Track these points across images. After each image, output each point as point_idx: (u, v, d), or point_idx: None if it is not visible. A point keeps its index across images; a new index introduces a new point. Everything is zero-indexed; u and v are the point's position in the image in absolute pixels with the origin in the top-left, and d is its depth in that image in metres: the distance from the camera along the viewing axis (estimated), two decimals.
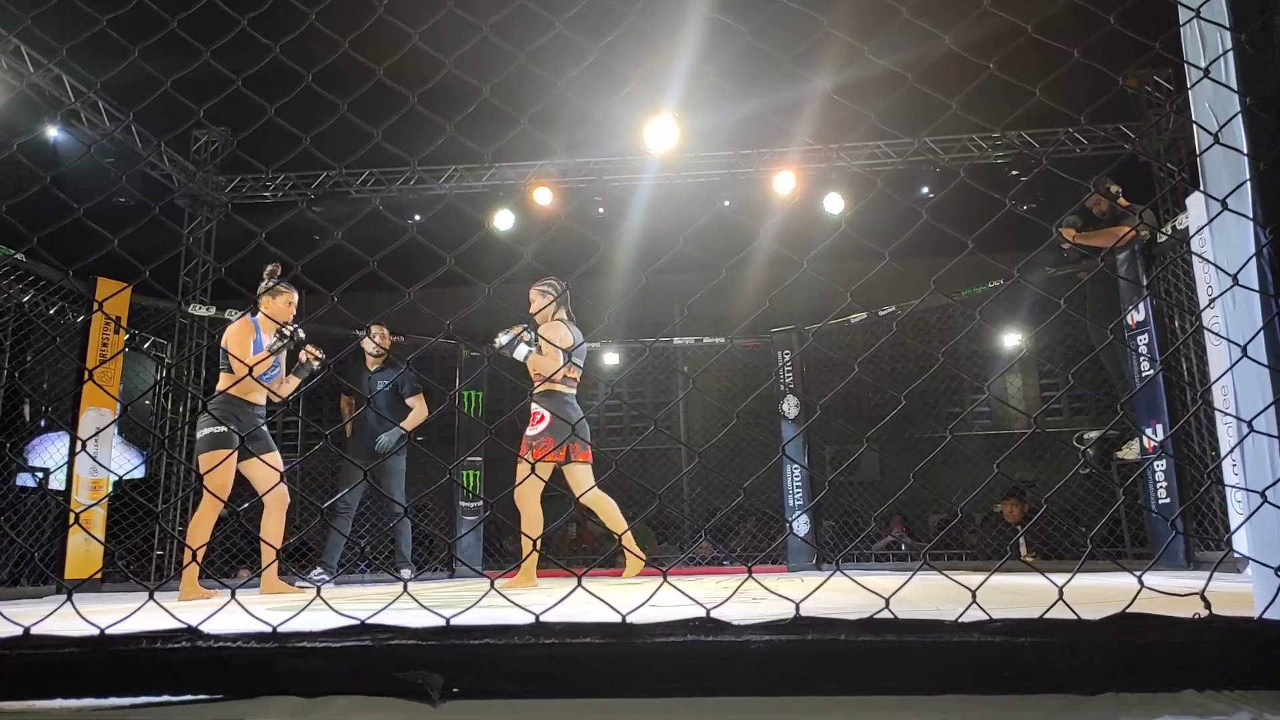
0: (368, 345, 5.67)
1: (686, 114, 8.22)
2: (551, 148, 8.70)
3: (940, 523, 7.91)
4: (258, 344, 4.22)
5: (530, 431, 4.39)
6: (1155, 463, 4.94)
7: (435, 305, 9.65)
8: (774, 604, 1.29)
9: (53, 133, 7.33)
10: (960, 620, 1.06)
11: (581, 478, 4.45)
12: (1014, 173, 8.79)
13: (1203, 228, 1.44)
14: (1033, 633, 1.03)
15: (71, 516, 4.97)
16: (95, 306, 5.15)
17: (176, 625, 1.20)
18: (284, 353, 4.37)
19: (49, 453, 6.25)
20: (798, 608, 1.12)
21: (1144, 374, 5.08)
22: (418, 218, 8.98)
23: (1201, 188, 1.44)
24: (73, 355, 5.43)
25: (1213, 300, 1.42)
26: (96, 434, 5.12)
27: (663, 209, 9.26)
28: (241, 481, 4.26)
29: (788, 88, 7.74)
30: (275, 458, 4.27)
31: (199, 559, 4.11)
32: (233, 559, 6.46)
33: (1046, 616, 1.05)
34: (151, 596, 1.35)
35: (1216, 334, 1.41)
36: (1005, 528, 6.43)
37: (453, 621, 1.18)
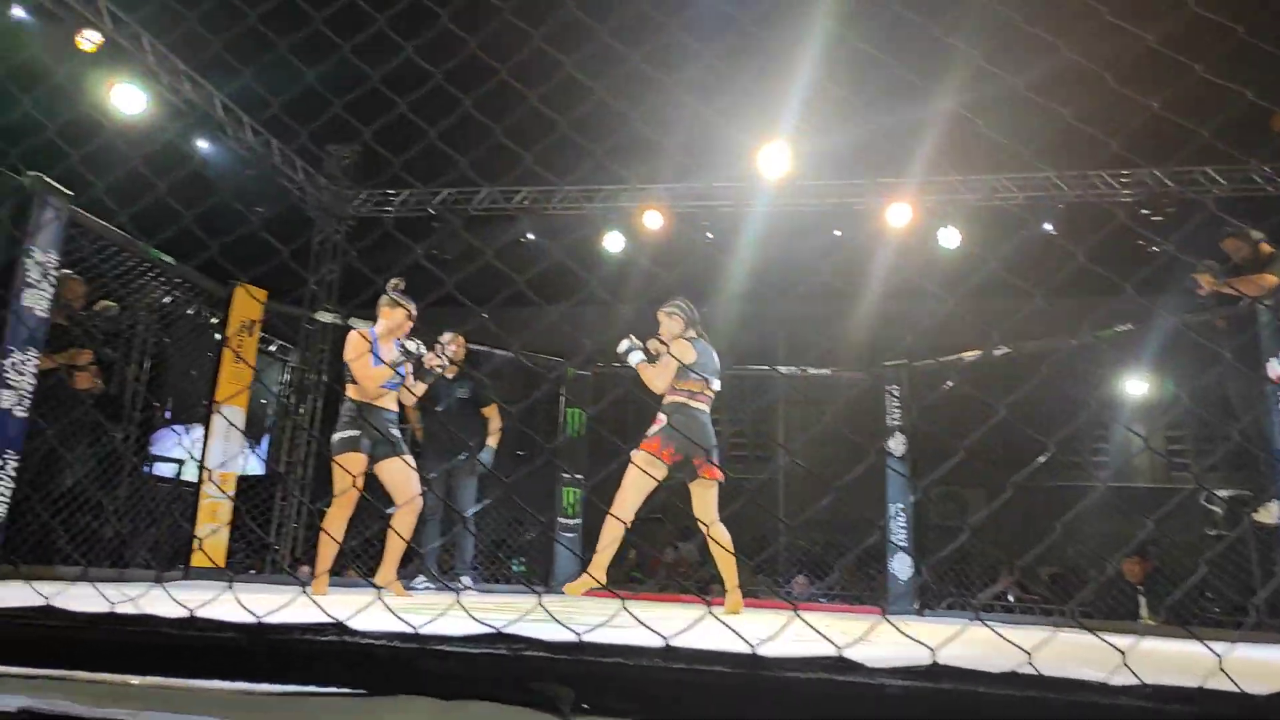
0: (436, 353, 5.79)
1: (800, 140, 8.19)
2: (664, 171, 8.82)
3: (1052, 576, 7.56)
4: (375, 354, 4.34)
5: (648, 431, 4.28)
6: None
7: (539, 323, 9.85)
8: (904, 649, 1.28)
9: (202, 145, 7.84)
10: (1109, 682, 1.02)
11: (707, 497, 4.28)
12: (1144, 212, 8.40)
13: None
14: (1188, 702, 0.99)
15: (221, 507, 5.28)
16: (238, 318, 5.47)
17: (326, 620, 1.27)
18: (409, 365, 4.51)
19: (177, 446, 6.64)
20: (934, 653, 1.10)
21: None
22: (530, 236, 9.21)
23: None
24: (209, 355, 5.78)
25: None
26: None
27: (772, 236, 9.23)
28: (374, 484, 4.40)
29: (906, 112, 7.64)
30: (406, 463, 4.36)
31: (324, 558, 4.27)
32: (357, 558, 6.69)
33: (1206, 687, 1.00)
34: (304, 590, 1.43)
35: None
36: (1126, 586, 6.10)
37: (585, 638, 1.21)
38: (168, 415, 6.81)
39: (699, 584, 8.65)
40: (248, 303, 5.63)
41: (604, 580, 4.12)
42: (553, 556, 6.83)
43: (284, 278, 8.32)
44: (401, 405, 4.78)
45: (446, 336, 5.46)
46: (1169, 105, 1.61)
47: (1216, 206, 7.82)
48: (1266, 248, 5.36)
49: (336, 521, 4.16)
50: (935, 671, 1.07)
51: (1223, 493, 5.56)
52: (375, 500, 4.17)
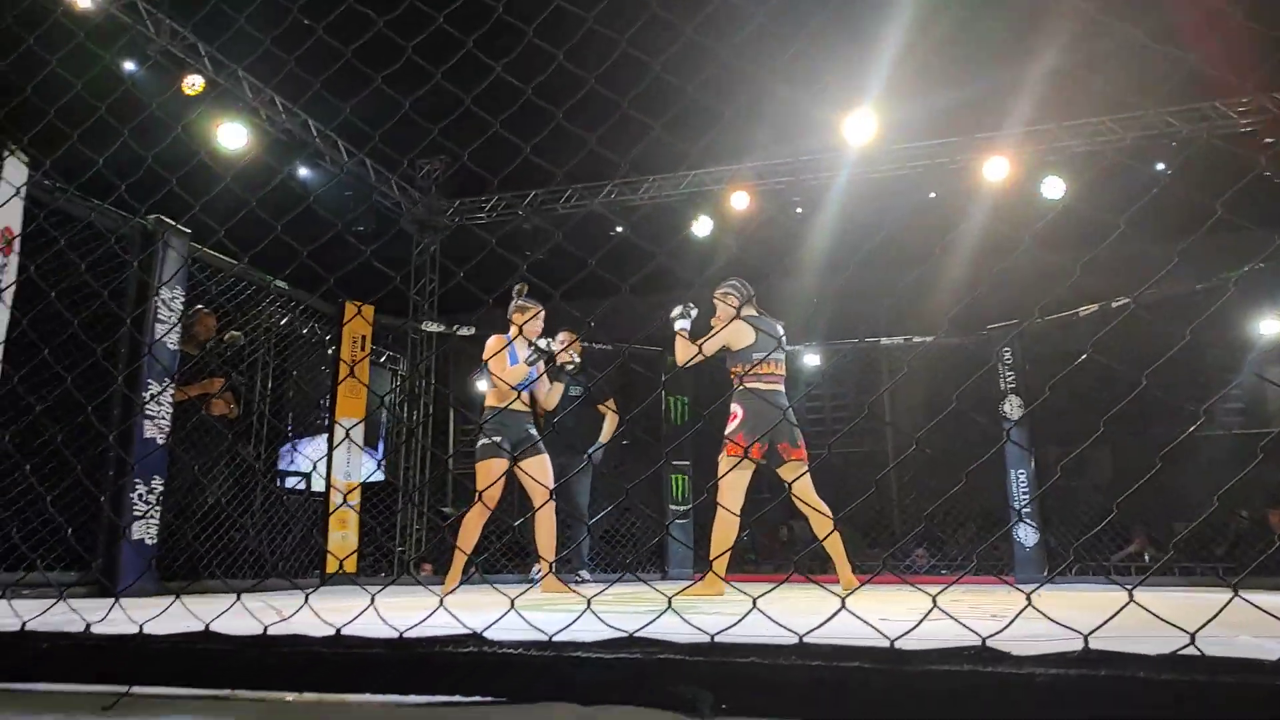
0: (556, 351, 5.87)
1: (885, 105, 7.94)
2: (748, 150, 8.70)
3: (1190, 534, 7.15)
4: (513, 358, 4.49)
5: (727, 430, 4.27)
6: None
7: (635, 312, 9.90)
8: (1047, 626, 1.23)
9: (302, 171, 8.17)
10: None
11: (800, 479, 4.23)
12: (1268, 140, 7.82)
13: None
14: None
15: (349, 514, 5.54)
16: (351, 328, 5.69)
17: (464, 631, 1.31)
18: (541, 364, 4.63)
19: (301, 458, 6.97)
20: (1086, 640, 1.06)
21: None
22: (620, 229, 9.24)
23: None
24: (327, 370, 6.04)
25: None
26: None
27: (863, 205, 9.00)
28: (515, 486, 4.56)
29: (996, 69, 7.32)
30: (544, 461, 4.52)
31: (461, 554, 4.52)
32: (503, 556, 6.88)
33: None
34: (441, 604, 1.47)
35: None
36: (1271, 538, 5.73)
37: (717, 639, 1.21)
38: (290, 430, 7.15)
39: (817, 561, 8.57)
40: (357, 319, 5.85)
41: (723, 580, 4.09)
42: (665, 544, 6.87)
43: (388, 290, 8.62)
44: (534, 404, 4.92)
45: (562, 336, 5.52)
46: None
47: None
48: None
49: (475, 523, 4.35)
50: (1090, 658, 1.02)
51: None
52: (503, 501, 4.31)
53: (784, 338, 4.43)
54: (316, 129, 8.14)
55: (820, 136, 8.74)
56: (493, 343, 4.61)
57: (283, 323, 6.18)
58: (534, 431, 4.64)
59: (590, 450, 5.86)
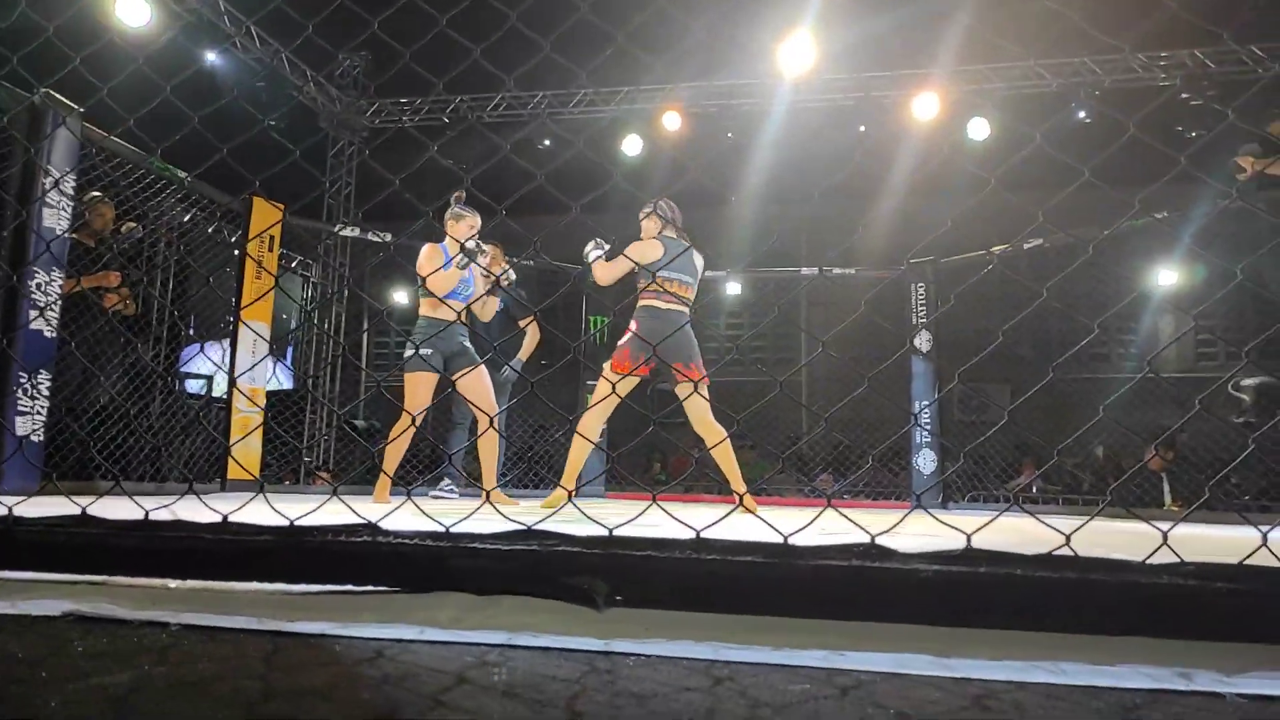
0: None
1: (822, 31, 7.86)
2: (682, 72, 8.54)
3: (1075, 467, 7.58)
4: (447, 265, 4.37)
5: (619, 342, 4.20)
6: None
7: (555, 229, 9.73)
8: (932, 539, 1.27)
9: (210, 57, 7.67)
10: (1149, 561, 1.01)
11: (694, 400, 4.08)
12: (1184, 96, 8.06)
13: None
14: (1231, 579, 0.97)
15: (253, 420, 5.37)
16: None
17: (358, 521, 1.28)
18: (478, 274, 4.51)
19: (205, 363, 6.72)
20: (969, 539, 1.09)
21: None
22: (547, 143, 9.03)
23: None
24: (230, 271, 5.78)
25: None
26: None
27: (794, 135, 8.98)
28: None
29: (931, 3, 7.29)
30: (481, 373, 4.43)
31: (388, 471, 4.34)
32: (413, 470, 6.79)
33: (1248, 563, 0.98)
34: (335, 493, 1.44)
35: None
36: (1149, 474, 6.10)
37: (615, 533, 1.21)
38: (191, 332, 6.87)
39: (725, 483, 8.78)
40: (265, 215, 5.59)
41: (572, 491, 4.03)
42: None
43: (301, 192, 8.26)
44: (471, 318, 4.77)
45: (485, 248, 5.38)
46: None
47: (1258, 85, 7.47)
48: None
49: (402, 440, 4.21)
50: (970, 555, 1.06)
51: (1249, 380, 5.48)
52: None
53: (699, 266, 4.35)
54: (229, 13, 7.63)
55: (756, 62, 8.63)
56: (427, 249, 4.42)
57: (186, 218, 5.87)
58: (469, 345, 4.53)
59: (510, 364, 5.78)
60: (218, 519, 1.32)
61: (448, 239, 4.45)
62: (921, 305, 6.68)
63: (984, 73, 8.34)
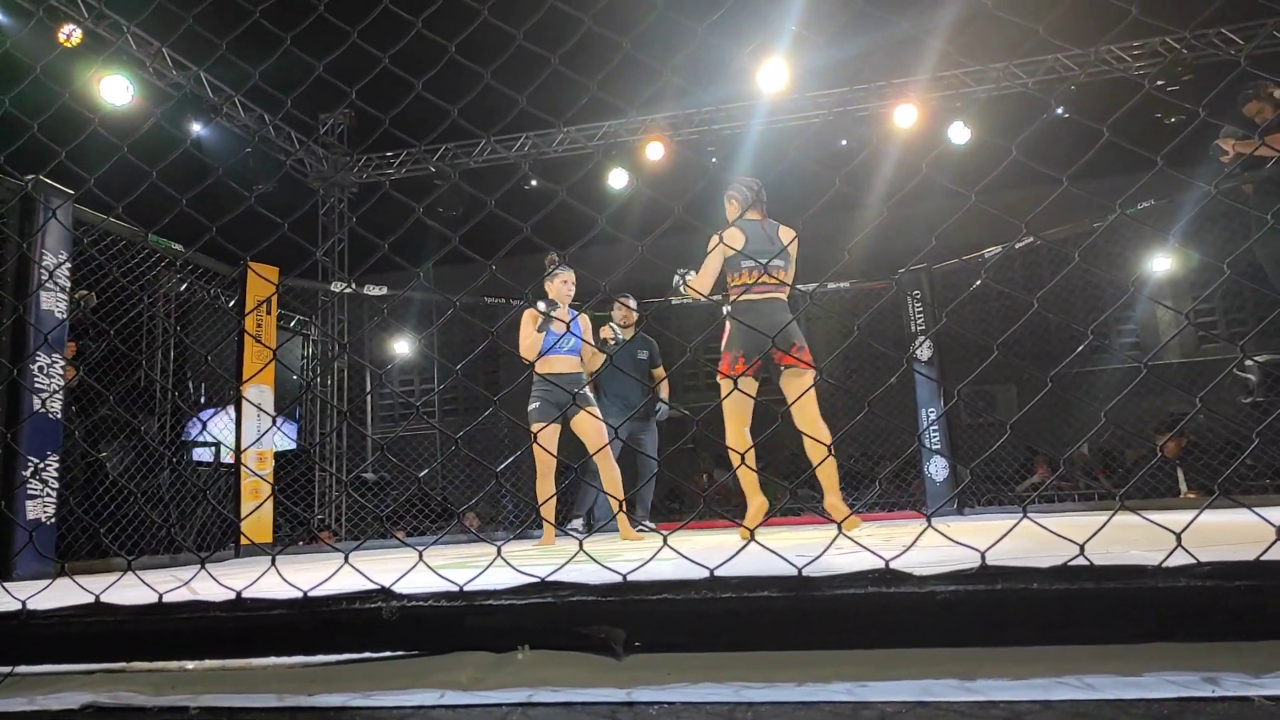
0: (615, 315, 6.06)
1: (798, 54, 7.96)
2: (661, 101, 8.63)
3: (1086, 462, 7.54)
4: (548, 331, 4.66)
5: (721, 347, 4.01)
6: None
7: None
8: (949, 551, 1.26)
9: (196, 129, 7.76)
10: (1164, 565, 1.00)
11: (799, 390, 3.80)
12: (1160, 83, 8.12)
13: None
14: (1249, 575, 0.96)
15: (257, 484, 5.37)
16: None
17: (371, 587, 1.27)
18: (585, 327, 4.83)
19: (212, 430, 6.73)
20: (983, 556, 1.09)
21: None
22: (534, 183, 9.10)
23: None
24: (232, 337, 5.81)
25: None
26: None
27: (777, 154, 9.05)
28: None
29: (902, 18, 7.37)
30: (593, 413, 4.69)
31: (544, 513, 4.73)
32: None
33: (1265, 559, 0.98)
34: (346, 560, 1.43)
35: None
36: (1163, 463, 6.07)
37: (629, 578, 1.21)
38: (204, 400, 6.88)
39: (738, 510, 8.74)
40: (261, 281, 5.62)
41: (764, 507, 3.77)
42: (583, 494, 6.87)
43: (295, 253, 8.31)
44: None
45: (617, 313, 5.94)
46: None
47: (1235, 74, 7.53)
48: None
49: (544, 484, 4.61)
50: (986, 573, 1.05)
51: (1260, 358, 5.46)
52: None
53: (787, 243, 3.98)
54: (211, 84, 7.73)
55: (734, 87, 8.72)
56: (524, 316, 4.80)
57: (182, 288, 5.91)
58: (583, 393, 4.74)
59: (658, 413, 6.13)
60: (231, 595, 1.31)
61: (546, 301, 4.82)
62: (919, 313, 6.68)
63: (960, 78, 8.42)
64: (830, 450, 3.73)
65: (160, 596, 1.33)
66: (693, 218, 1.92)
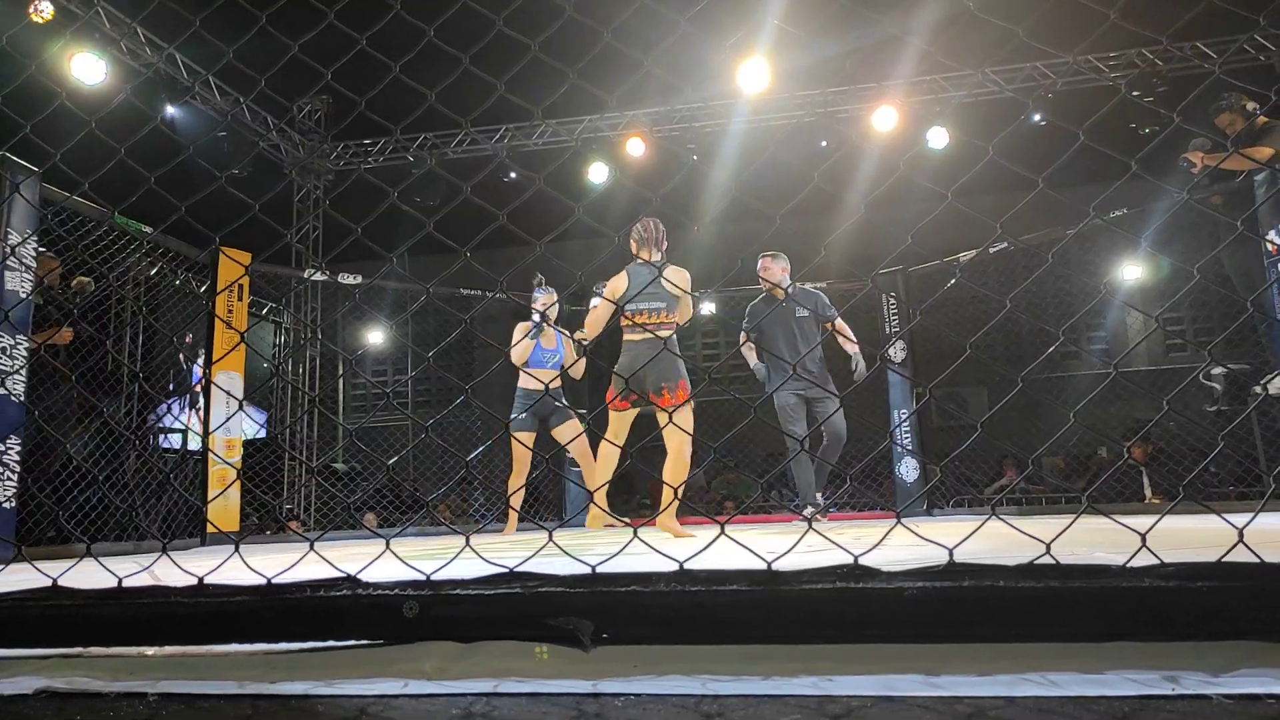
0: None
1: (780, 54, 7.98)
2: (643, 97, 8.62)
3: (1053, 466, 7.64)
4: (537, 344, 5.06)
5: None
6: None
7: (525, 261, 9.75)
8: (918, 550, 1.27)
9: (169, 110, 7.64)
10: (1129, 565, 1.01)
11: (667, 427, 3.91)
12: (1135, 94, 8.22)
13: None
14: (1211, 577, 0.97)
15: (225, 472, 5.30)
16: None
17: (337, 575, 1.26)
18: (568, 344, 5.17)
19: (180, 417, 6.62)
20: (951, 553, 1.09)
21: None
22: (513, 175, 9.05)
23: None
24: (202, 323, 5.73)
25: None
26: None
27: (757, 153, 9.07)
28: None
29: (883, 18, 7.41)
30: (571, 424, 5.16)
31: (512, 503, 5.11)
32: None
33: (1226, 560, 0.99)
34: (312, 547, 1.42)
35: None
36: (1129, 468, 6.16)
37: (598, 570, 1.20)
38: (172, 387, 6.78)
39: (711, 506, 8.77)
40: (232, 265, 5.55)
41: (609, 514, 4.37)
42: (564, 492, 6.88)
43: (270, 239, 8.21)
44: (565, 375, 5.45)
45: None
46: None
47: (1208, 82, 7.64)
48: (1263, 119, 5.25)
49: (516, 480, 5.01)
50: (954, 570, 1.06)
51: (1221, 369, 5.56)
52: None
53: (673, 286, 4.05)
54: (186, 66, 7.61)
55: (715, 85, 8.72)
56: (517, 328, 5.16)
57: (152, 272, 5.81)
58: (559, 404, 5.15)
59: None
60: (193, 582, 1.29)
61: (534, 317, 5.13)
62: (894, 315, 6.73)
63: (939, 83, 8.48)
64: (677, 494, 4.07)
65: (120, 581, 1.30)
66: (676, 213, 1.91)
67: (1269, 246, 4.85)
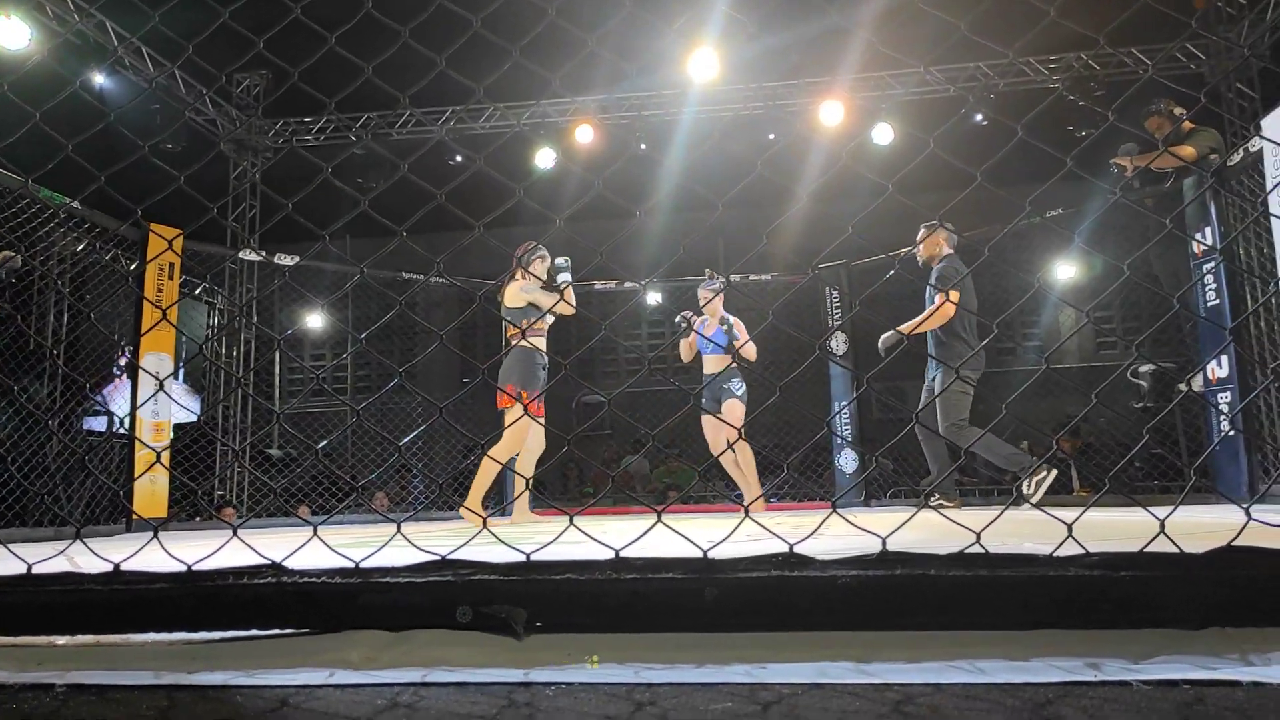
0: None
1: (729, 45, 7.99)
2: (592, 83, 8.56)
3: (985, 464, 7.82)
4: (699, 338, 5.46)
5: None
6: (1219, 394, 4.81)
7: (486, 247, 9.61)
8: (853, 540, 1.28)
9: (99, 80, 7.35)
10: (1055, 554, 1.03)
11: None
12: (1071, 97, 8.44)
13: None
14: (1133, 566, 1.00)
15: (153, 456, 5.12)
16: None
17: (262, 561, 1.22)
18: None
19: (112, 399, 6.40)
20: (884, 542, 1.10)
21: (1209, 304, 4.91)
22: (459, 158, 8.92)
23: None
24: (129, 303, 5.53)
25: None
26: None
27: (705, 144, 9.09)
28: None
29: (832, 13, 7.47)
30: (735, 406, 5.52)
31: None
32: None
33: (1148, 550, 1.01)
34: (235, 533, 1.37)
35: None
36: (1059, 462, 6.34)
37: (533, 557, 1.18)
38: (116, 370, 6.55)
39: (652, 495, 8.79)
40: (161, 243, 5.36)
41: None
42: (506, 480, 6.81)
43: (203, 216, 7.93)
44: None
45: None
46: None
47: (1141, 87, 7.88)
48: (1188, 124, 5.44)
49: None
50: (886, 559, 1.06)
51: (1146, 367, 5.75)
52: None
53: (506, 295, 4.74)
54: (117, 33, 7.31)
55: (665, 74, 8.70)
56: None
57: (79, 249, 5.59)
58: (726, 386, 5.60)
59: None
60: (109, 568, 1.24)
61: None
62: (836, 308, 6.81)
63: (885, 80, 8.59)
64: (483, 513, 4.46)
65: (30, 567, 1.24)
66: (624, 199, 1.90)
67: (1195, 247, 5.02)
